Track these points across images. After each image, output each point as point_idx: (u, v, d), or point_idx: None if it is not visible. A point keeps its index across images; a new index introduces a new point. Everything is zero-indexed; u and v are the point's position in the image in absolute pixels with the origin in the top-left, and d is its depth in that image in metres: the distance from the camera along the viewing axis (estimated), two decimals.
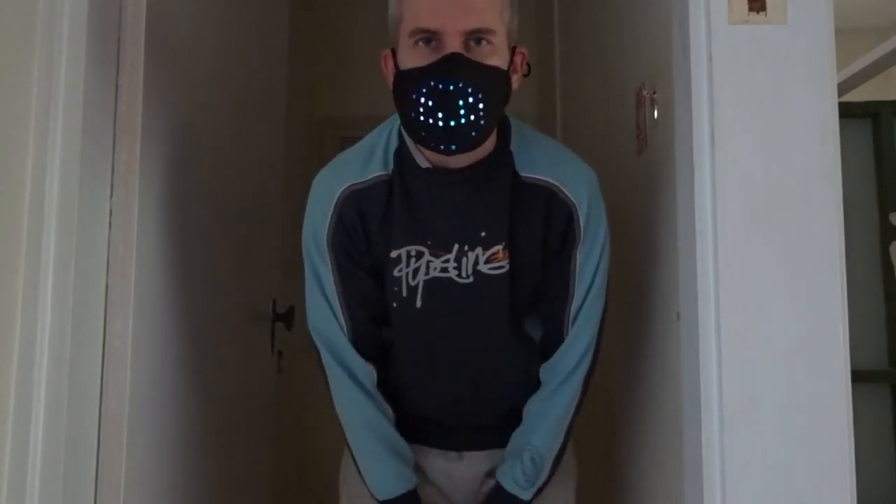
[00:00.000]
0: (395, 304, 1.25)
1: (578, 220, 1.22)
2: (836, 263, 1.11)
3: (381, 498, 1.26)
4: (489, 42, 1.09)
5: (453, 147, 1.11)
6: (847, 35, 1.56)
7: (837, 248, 1.11)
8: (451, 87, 1.07)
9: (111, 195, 1.30)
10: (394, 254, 1.21)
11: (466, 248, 1.21)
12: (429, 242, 1.21)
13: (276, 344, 2.09)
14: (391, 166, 1.21)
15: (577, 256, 1.24)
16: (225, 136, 1.76)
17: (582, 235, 1.23)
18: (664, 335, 1.36)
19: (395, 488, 1.26)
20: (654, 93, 1.41)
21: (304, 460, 2.92)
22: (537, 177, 1.22)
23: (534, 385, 1.32)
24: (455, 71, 1.06)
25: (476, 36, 1.08)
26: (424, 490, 1.32)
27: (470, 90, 1.07)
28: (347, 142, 1.30)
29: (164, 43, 1.42)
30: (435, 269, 1.21)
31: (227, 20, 1.79)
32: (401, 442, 1.28)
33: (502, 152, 1.22)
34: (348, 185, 1.21)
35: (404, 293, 1.23)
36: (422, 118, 1.09)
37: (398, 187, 1.21)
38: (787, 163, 1.12)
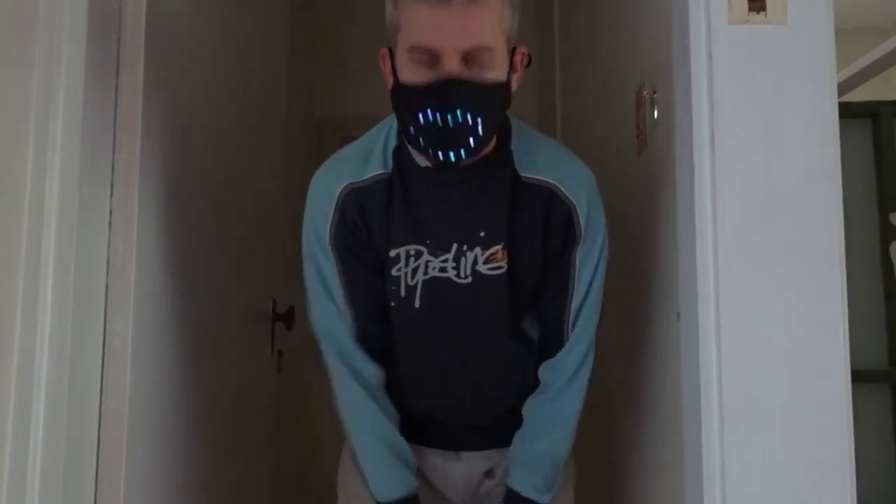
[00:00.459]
0: (393, 304, 1.24)
1: (578, 220, 1.22)
2: (836, 263, 1.11)
3: (381, 500, 1.26)
4: (488, 57, 1.08)
5: (451, 158, 1.12)
6: (847, 35, 1.56)
7: (837, 248, 1.11)
8: (450, 116, 1.07)
9: (111, 195, 1.30)
10: (392, 253, 1.21)
11: (465, 247, 1.21)
12: (428, 242, 1.21)
13: (276, 344, 2.09)
14: (390, 165, 1.21)
15: (577, 257, 1.24)
16: (225, 136, 1.76)
17: (582, 236, 1.23)
18: (664, 335, 1.36)
19: (397, 492, 1.25)
20: (654, 93, 1.41)
21: (304, 460, 2.92)
22: (537, 177, 1.22)
23: (532, 385, 1.31)
24: (453, 96, 1.07)
25: (475, 52, 1.07)
26: (421, 490, 1.31)
27: (469, 115, 1.08)
28: (347, 142, 1.29)
29: (163, 43, 1.42)
30: (434, 268, 1.21)
31: (227, 20, 1.79)
32: (404, 445, 1.27)
33: (502, 152, 1.22)
34: (348, 183, 1.21)
35: (402, 293, 1.23)
36: (420, 136, 1.11)
37: (398, 186, 1.21)
38: (787, 163, 1.12)
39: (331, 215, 1.21)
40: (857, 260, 2.27)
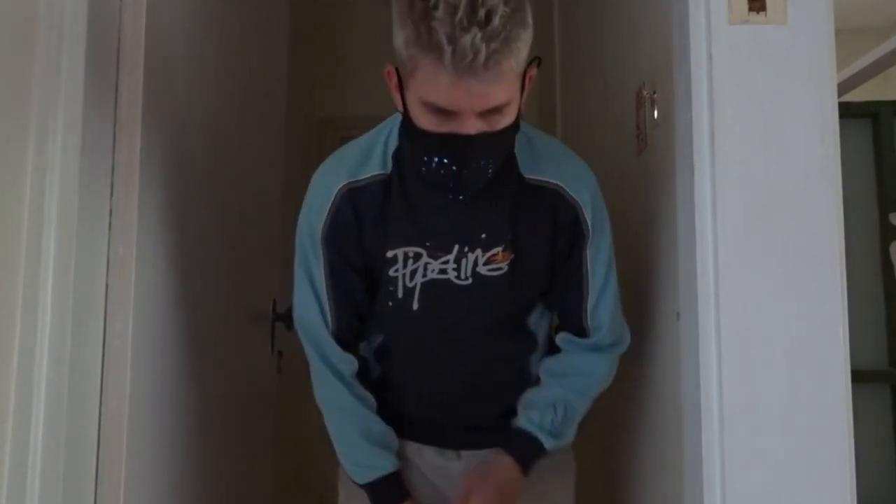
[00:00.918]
0: (390, 304, 1.25)
1: (585, 218, 1.22)
2: (836, 263, 1.11)
3: (360, 483, 1.27)
4: (506, 108, 1.06)
5: (461, 197, 1.14)
6: (847, 35, 1.56)
7: (837, 248, 1.11)
8: (466, 170, 1.07)
9: (111, 195, 1.30)
10: (390, 254, 1.21)
11: (466, 249, 1.21)
12: (427, 244, 1.21)
13: (276, 344, 2.09)
14: (390, 166, 1.21)
15: (587, 255, 1.24)
16: (225, 136, 1.76)
17: (590, 234, 1.23)
18: (664, 335, 1.36)
19: (372, 472, 1.26)
20: (654, 93, 1.41)
21: (304, 460, 2.92)
22: (542, 178, 1.22)
23: (531, 379, 1.32)
24: (470, 153, 1.06)
25: (493, 109, 1.04)
26: (421, 489, 1.32)
27: (483, 163, 1.08)
28: (347, 142, 1.29)
29: (163, 43, 1.42)
30: (433, 270, 1.22)
31: (226, 20, 1.79)
32: (380, 427, 1.28)
33: (509, 154, 1.22)
34: (346, 182, 1.21)
35: (400, 294, 1.23)
36: (429, 177, 1.11)
37: (397, 188, 1.21)
38: (787, 163, 1.12)
39: (325, 213, 1.21)
40: (857, 260, 2.27)
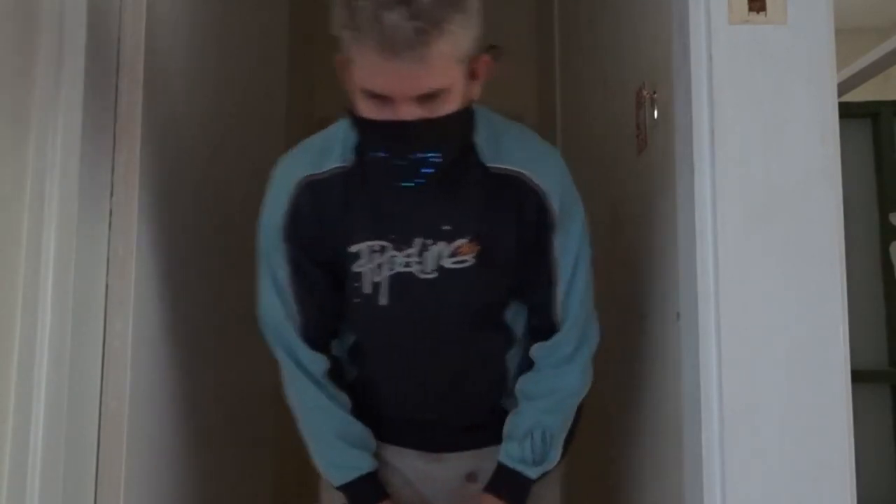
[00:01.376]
0: (357, 300, 1.21)
1: (552, 207, 1.18)
2: (836, 263, 1.11)
3: (336, 484, 1.25)
4: (444, 94, 1.03)
5: (413, 185, 1.10)
6: (847, 35, 1.56)
7: (837, 248, 1.11)
8: (405, 162, 1.06)
9: (111, 195, 1.30)
10: (353, 248, 1.19)
11: (429, 242, 1.18)
12: (391, 237, 1.18)
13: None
14: (350, 159, 1.18)
15: (556, 244, 1.20)
16: (225, 136, 1.76)
17: (557, 222, 1.19)
18: (664, 335, 1.36)
19: (350, 473, 1.24)
20: (654, 93, 1.41)
21: (304, 460, 2.92)
22: (506, 167, 1.18)
23: (512, 379, 1.29)
24: (408, 140, 1.04)
25: (429, 94, 1.02)
26: (403, 492, 1.30)
27: (426, 152, 1.06)
28: None
29: (163, 43, 1.42)
30: (399, 264, 1.18)
31: (226, 20, 1.79)
32: (356, 427, 1.26)
33: (468, 144, 1.18)
34: (306, 175, 1.19)
35: (367, 289, 1.20)
36: (379, 166, 1.10)
37: (358, 180, 1.18)
38: (787, 163, 1.12)
39: (286, 208, 1.19)
40: (857, 260, 2.27)
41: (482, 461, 1.29)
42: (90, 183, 1.23)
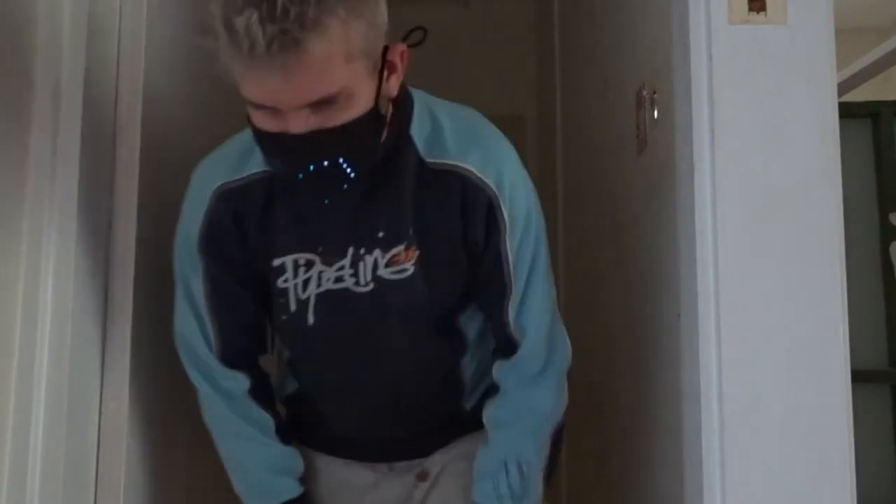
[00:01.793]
0: (283, 318, 1.11)
1: (500, 206, 1.05)
2: (836, 263, 1.11)
3: None
4: (341, 98, 0.90)
5: (326, 201, 1.02)
6: (847, 35, 1.56)
7: (837, 248, 1.11)
8: (302, 176, 0.94)
9: (111, 195, 1.30)
10: (276, 262, 1.08)
11: (363, 251, 1.06)
12: (320, 249, 1.07)
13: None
14: None
15: (507, 246, 1.07)
16: (226, 136, 1.76)
17: (507, 223, 1.06)
18: (664, 335, 1.36)
19: (269, 501, 1.16)
20: (654, 93, 1.41)
21: None
22: (447, 161, 1.05)
23: (465, 383, 1.20)
24: (306, 153, 0.92)
25: (320, 101, 0.89)
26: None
27: (330, 162, 0.93)
28: None
29: (163, 42, 1.42)
30: (328, 279, 1.08)
31: None
32: (278, 451, 1.17)
33: (401, 138, 1.05)
34: (222, 182, 1.08)
35: (293, 307, 1.09)
36: (285, 180, 1.02)
37: (279, 187, 1.07)
38: (787, 163, 1.12)
39: (201, 218, 1.09)
40: (857, 260, 2.27)
41: (433, 460, 1.22)
42: (90, 183, 1.23)
